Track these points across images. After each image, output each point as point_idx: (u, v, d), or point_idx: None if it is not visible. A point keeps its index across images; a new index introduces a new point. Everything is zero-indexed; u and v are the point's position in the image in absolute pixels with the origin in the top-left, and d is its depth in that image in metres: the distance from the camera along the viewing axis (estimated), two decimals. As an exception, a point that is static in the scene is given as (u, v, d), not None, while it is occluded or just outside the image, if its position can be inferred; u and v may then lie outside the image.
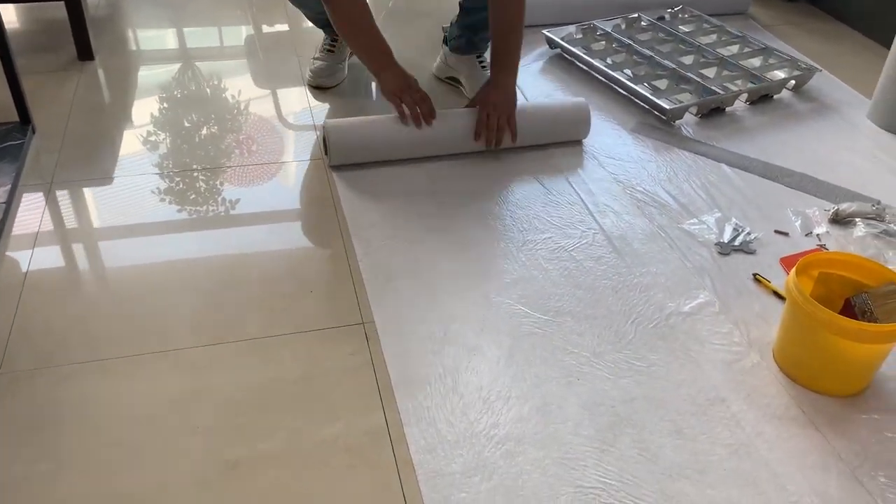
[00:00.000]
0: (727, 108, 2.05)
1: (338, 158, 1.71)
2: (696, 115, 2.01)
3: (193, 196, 1.65)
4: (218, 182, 1.70)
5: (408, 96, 1.73)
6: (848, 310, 1.27)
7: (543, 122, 1.83)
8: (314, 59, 2.09)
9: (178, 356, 1.26)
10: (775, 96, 2.13)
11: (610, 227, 1.59)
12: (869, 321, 1.23)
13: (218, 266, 1.46)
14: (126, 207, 1.61)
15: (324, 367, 1.25)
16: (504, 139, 1.76)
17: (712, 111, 2.02)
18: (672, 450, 1.14)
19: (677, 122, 1.98)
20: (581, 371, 1.26)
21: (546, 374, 1.25)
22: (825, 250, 1.55)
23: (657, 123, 1.98)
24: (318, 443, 1.13)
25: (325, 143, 1.72)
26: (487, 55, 2.05)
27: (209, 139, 1.85)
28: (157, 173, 1.71)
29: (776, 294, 1.44)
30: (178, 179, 1.69)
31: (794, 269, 1.25)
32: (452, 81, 2.10)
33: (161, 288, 1.40)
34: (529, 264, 1.48)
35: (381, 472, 1.09)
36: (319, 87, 2.07)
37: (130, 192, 1.66)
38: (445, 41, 2.08)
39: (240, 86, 2.07)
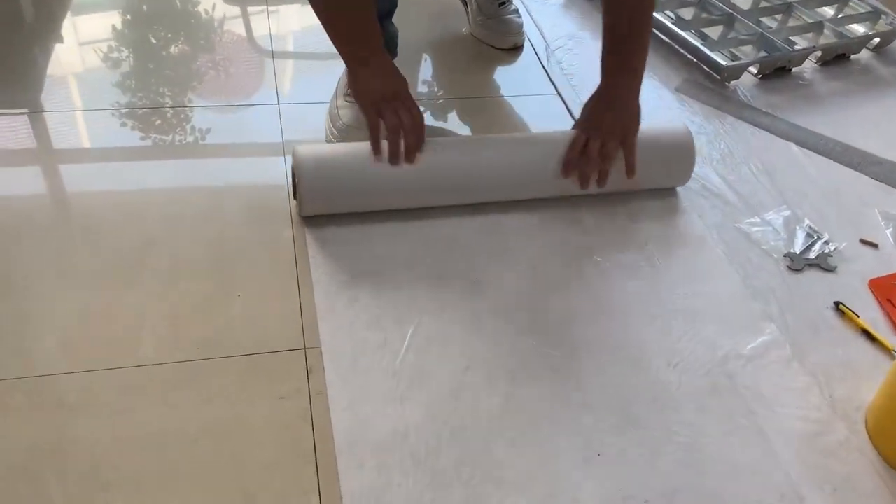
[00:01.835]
0: (794, 69, 1.64)
1: (312, 208, 1.13)
2: (756, 74, 1.61)
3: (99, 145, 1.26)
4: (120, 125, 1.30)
5: (392, 112, 1.10)
6: (984, 379, 0.90)
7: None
8: (338, 106, 1.29)
9: (42, 387, 0.89)
10: (852, 56, 1.72)
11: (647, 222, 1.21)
12: None
13: (123, 247, 1.08)
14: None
15: (241, 417, 0.88)
16: (607, 175, 1.17)
17: (775, 70, 1.62)
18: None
19: (733, 82, 1.57)
20: (604, 442, 0.90)
21: (556, 442, 0.89)
22: (927, 272, 1.18)
23: (707, 83, 1.57)
24: (217, 544, 0.77)
25: (294, 181, 1.13)
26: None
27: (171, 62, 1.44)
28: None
29: (866, 332, 1.07)
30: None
31: (915, 319, 0.88)
32: None
33: (26, 277, 1.02)
34: (537, 270, 1.11)
35: None
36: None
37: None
38: None
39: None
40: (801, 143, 1.43)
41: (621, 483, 0.86)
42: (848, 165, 1.39)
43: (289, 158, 1.21)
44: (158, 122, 1.32)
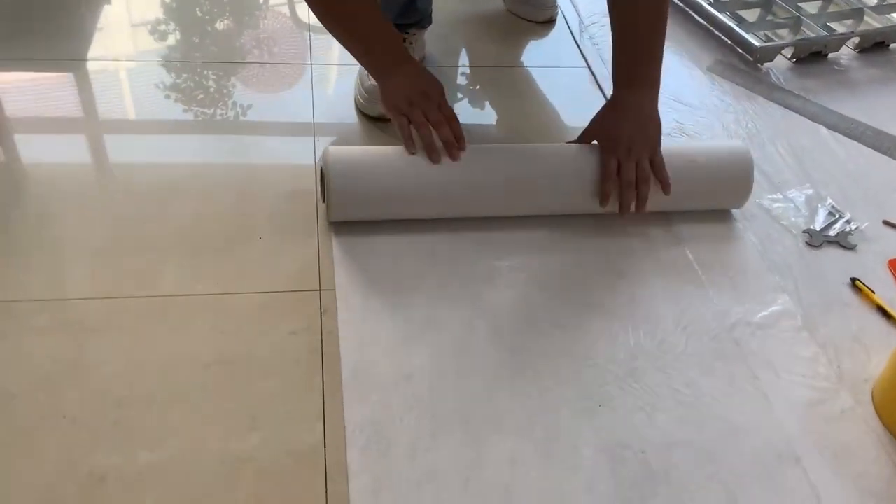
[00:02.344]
0: (830, 55, 1.63)
1: (341, 214, 1.07)
2: (790, 58, 1.59)
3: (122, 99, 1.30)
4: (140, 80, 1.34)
5: (418, 110, 1.05)
6: None
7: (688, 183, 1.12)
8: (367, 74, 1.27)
9: (65, 309, 0.94)
10: (892, 45, 1.69)
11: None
12: None
13: (145, 188, 1.12)
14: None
15: (253, 348, 0.91)
16: (649, 197, 1.08)
17: (811, 55, 1.61)
18: (721, 531, 0.80)
19: (766, 64, 1.57)
20: (605, 393, 0.91)
21: (558, 392, 0.91)
22: (950, 255, 1.17)
23: (740, 64, 1.57)
24: (220, 460, 0.80)
25: (323, 183, 1.08)
26: None
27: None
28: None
29: (881, 310, 1.07)
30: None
31: (927, 289, 0.88)
32: None
33: (61, 213, 1.07)
34: (552, 232, 1.12)
35: (302, 515, 0.77)
36: (380, 118, 1.27)
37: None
38: None
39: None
40: (832, 127, 1.41)
41: (620, 434, 0.87)
42: (878, 150, 1.37)
43: (319, 141, 1.23)
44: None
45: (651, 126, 1.10)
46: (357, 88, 1.32)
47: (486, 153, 1.10)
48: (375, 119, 1.28)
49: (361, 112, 1.31)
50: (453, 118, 1.06)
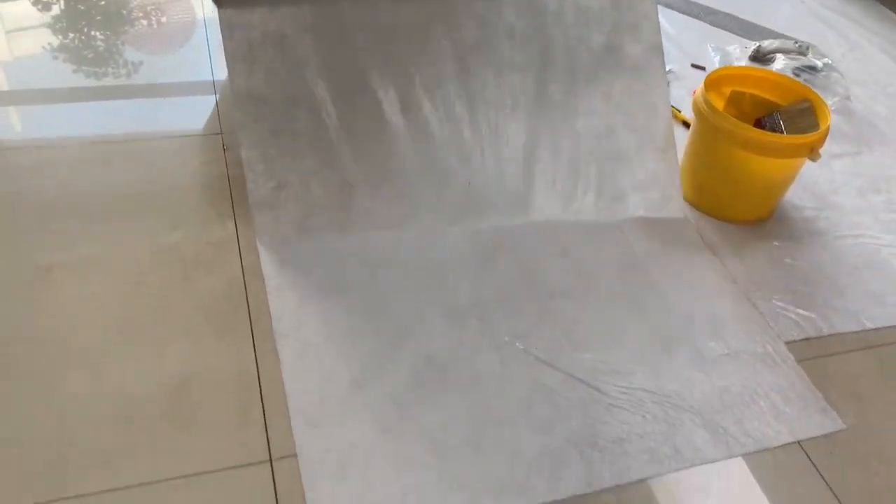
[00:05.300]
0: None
1: None
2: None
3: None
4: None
5: None
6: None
7: None
8: None
9: (1, 156, 1.08)
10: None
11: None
12: (779, 143, 1.12)
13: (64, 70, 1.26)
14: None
15: (170, 176, 1.08)
16: None
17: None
18: (556, 270, 1.03)
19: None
20: (465, 200, 1.13)
21: (424, 194, 1.11)
22: (742, 86, 1.44)
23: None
24: (151, 250, 0.97)
25: None
26: None
27: None
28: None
29: (686, 124, 1.33)
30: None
31: (702, 83, 1.13)
32: None
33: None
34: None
35: (224, 281, 0.95)
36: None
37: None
38: None
39: None
40: None
41: (477, 223, 1.09)
42: (689, 15, 1.64)
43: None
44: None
45: None
46: None
47: None
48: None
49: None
50: None
